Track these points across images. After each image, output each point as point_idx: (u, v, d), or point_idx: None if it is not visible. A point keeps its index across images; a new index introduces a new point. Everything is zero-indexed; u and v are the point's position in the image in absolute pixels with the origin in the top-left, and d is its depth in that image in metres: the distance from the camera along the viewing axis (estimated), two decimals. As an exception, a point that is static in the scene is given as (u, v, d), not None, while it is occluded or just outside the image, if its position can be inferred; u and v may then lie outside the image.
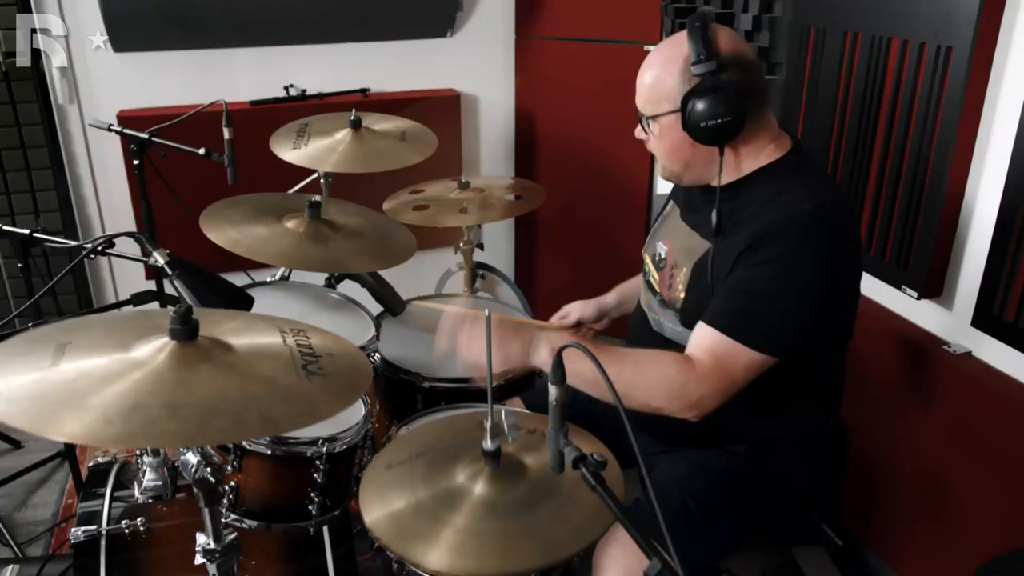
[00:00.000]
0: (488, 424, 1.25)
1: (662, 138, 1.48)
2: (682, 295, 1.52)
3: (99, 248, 1.58)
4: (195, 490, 1.22)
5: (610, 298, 1.91)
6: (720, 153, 1.43)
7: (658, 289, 1.61)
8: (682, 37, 1.41)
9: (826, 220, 1.37)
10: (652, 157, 1.57)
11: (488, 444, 1.26)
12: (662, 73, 1.43)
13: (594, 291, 1.95)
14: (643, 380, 1.37)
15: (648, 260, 1.67)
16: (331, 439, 1.58)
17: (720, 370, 1.36)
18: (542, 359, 1.41)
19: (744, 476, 1.56)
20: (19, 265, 1.89)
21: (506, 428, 1.22)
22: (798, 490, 1.64)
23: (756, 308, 1.37)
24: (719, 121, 1.38)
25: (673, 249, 1.59)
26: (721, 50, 1.38)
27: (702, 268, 1.48)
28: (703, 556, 1.52)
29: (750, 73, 1.42)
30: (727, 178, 1.47)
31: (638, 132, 1.54)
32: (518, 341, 1.43)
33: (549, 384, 1.09)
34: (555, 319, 1.81)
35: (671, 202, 1.70)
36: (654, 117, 1.46)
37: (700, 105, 1.38)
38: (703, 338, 1.40)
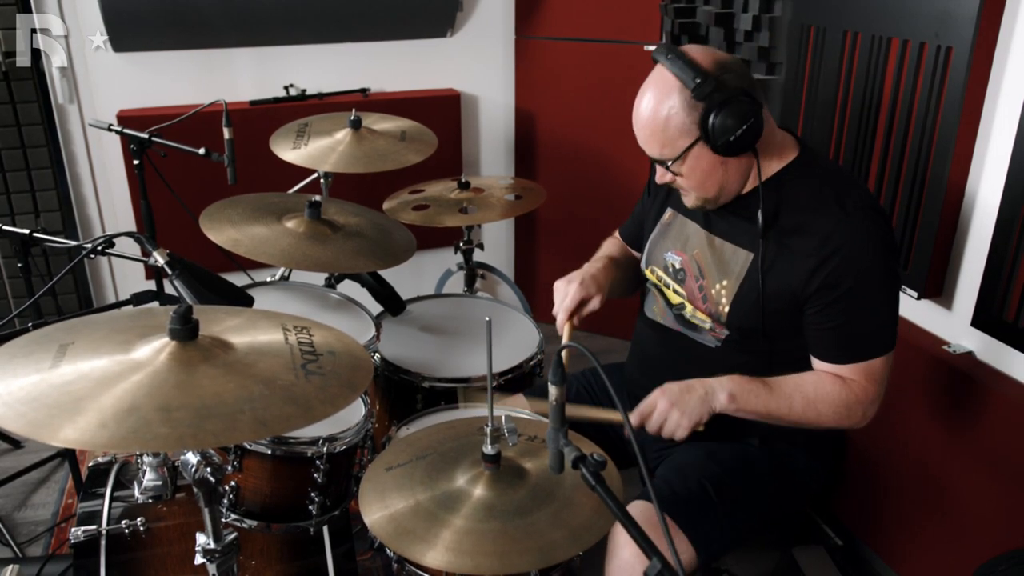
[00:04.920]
0: (488, 428, 1.26)
1: (693, 171, 1.46)
2: (726, 308, 1.53)
3: (99, 248, 1.58)
4: (195, 490, 1.22)
5: (611, 269, 1.75)
6: (755, 155, 1.45)
7: (686, 301, 1.61)
8: (659, 76, 1.43)
9: (872, 219, 1.43)
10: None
11: (488, 448, 1.26)
12: (666, 113, 1.41)
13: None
14: (812, 410, 1.48)
15: (660, 272, 1.66)
16: (331, 439, 1.58)
17: (868, 383, 1.48)
18: (723, 404, 1.48)
19: (760, 465, 1.58)
20: (19, 265, 1.89)
21: (506, 432, 1.22)
22: (808, 481, 1.67)
23: (870, 327, 1.46)
24: (745, 127, 1.38)
25: (698, 260, 1.58)
26: (704, 65, 1.40)
27: (751, 283, 1.49)
28: (718, 540, 1.52)
29: (740, 73, 1.43)
30: (753, 183, 1.50)
31: (662, 177, 1.51)
32: (694, 397, 1.47)
33: (549, 384, 1.09)
34: (563, 309, 1.64)
35: (669, 209, 1.69)
36: (679, 157, 1.44)
37: (721, 121, 1.38)
38: (839, 370, 1.48)
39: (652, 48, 1.47)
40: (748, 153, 1.44)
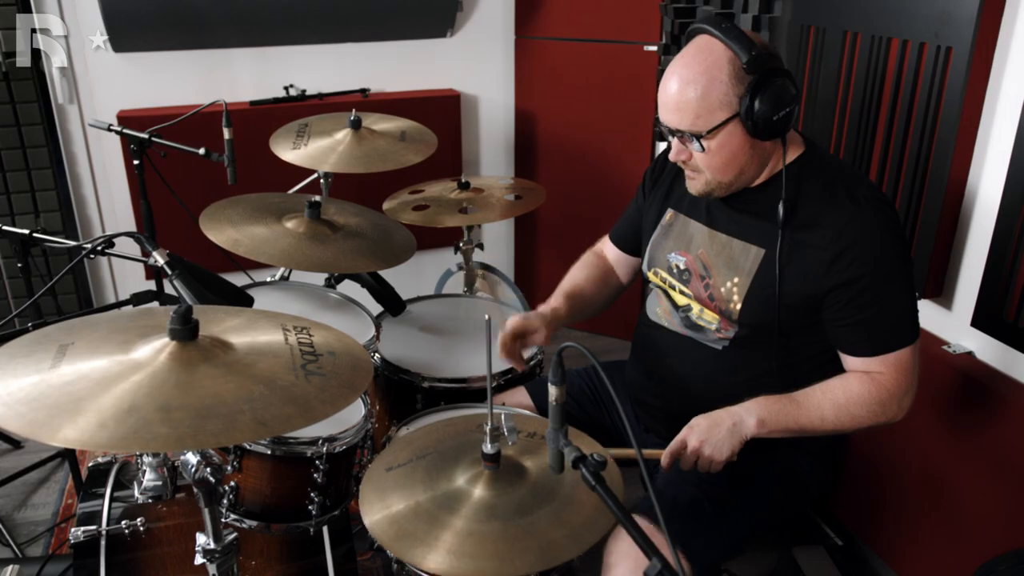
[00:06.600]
0: (488, 427, 1.26)
1: (720, 150, 1.42)
2: (738, 306, 1.51)
3: (99, 248, 1.58)
4: (195, 490, 1.22)
5: (563, 308, 1.76)
6: (783, 142, 1.44)
7: (693, 302, 1.59)
8: (704, 45, 1.40)
9: (882, 210, 1.43)
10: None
11: (488, 447, 1.26)
12: (709, 83, 1.37)
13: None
14: (846, 414, 1.45)
15: (664, 274, 1.65)
16: (331, 439, 1.58)
17: (899, 374, 1.45)
18: (753, 430, 1.46)
19: (757, 471, 1.57)
20: (19, 265, 1.89)
21: (505, 431, 1.22)
22: (807, 484, 1.66)
23: (892, 317, 1.45)
24: (787, 110, 1.37)
25: (703, 259, 1.57)
26: (757, 43, 1.38)
27: (765, 279, 1.48)
28: (712, 553, 1.51)
29: (781, 59, 1.42)
30: (764, 176, 1.49)
31: (677, 154, 1.47)
32: (723, 429, 1.45)
33: (549, 384, 1.09)
34: (499, 338, 1.65)
35: (669, 211, 1.67)
36: (711, 131, 1.39)
37: (766, 100, 1.36)
38: (867, 364, 1.47)
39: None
40: (774, 140, 1.43)
